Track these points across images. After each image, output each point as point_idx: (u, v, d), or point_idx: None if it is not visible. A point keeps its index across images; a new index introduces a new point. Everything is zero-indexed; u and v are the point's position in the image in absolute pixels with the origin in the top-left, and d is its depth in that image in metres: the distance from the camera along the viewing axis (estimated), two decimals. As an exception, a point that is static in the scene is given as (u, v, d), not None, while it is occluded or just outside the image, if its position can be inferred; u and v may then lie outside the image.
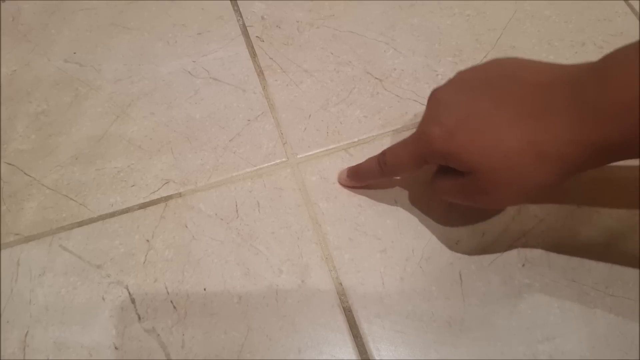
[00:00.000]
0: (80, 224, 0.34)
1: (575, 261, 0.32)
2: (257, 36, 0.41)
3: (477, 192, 0.27)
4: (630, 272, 0.31)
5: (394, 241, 0.33)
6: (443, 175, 0.29)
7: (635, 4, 0.41)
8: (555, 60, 0.39)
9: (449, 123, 0.27)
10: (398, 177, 0.35)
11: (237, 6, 0.42)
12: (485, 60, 0.39)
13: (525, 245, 0.32)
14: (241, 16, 0.42)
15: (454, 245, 0.33)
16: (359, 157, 0.36)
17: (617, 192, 0.34)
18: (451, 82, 0.29)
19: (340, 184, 0.35)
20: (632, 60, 0.22)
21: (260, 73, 0.39)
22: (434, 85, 0.37)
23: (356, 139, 0.36)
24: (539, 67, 0.27)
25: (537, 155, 0.24)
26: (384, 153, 0.31)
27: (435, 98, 0.29)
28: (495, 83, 0.27)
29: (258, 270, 0.32)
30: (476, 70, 0.29)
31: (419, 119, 0.37)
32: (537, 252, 0.32)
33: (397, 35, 0.40)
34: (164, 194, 0.35)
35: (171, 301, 0.31)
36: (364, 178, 0.34)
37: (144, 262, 0.33)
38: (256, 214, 0.34)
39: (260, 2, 0.43)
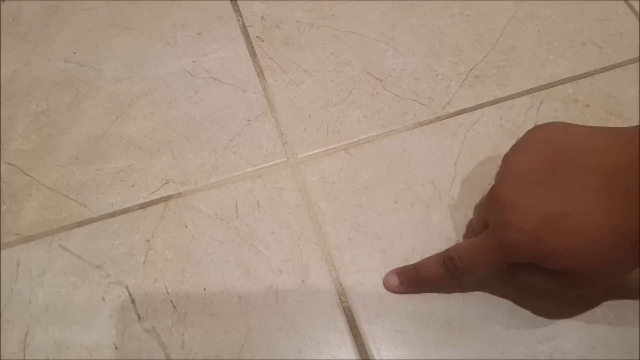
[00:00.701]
0: (80, 224, 0.34)
1: (575, 261, 0.32)
2: (257, 36, 0.41)
3: (569, 285, 0.26)
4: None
5: (394, 241, 0.33)
6: (525, 268, 0.27)
7: (635, 4, 0.41)
8: (554, 60, 0.39)
9: (531, 228, 0.25)
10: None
11: (237, 6, 0.42)
12: (485, 59, 0.39)
13: (525, 245, 0.32)
14: (241, 16, 0.42)
15: (454, 245, 0.33)
16: (359, 157, 0.36)
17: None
18: (510, 178, 0.27)
19: (389, 290, 0.32)
20: None
21: (260, 73, 0.39)
22: (434, 85, 0.38)
23: (356, 139, 0.36)
24: (595, 142, 0.25)
25: (632, 245, 0.23)
26: (451, 257, 0.29)
27: (502, 201, 0.26)
28: (560, 174, 0.25)
29: (258, 270, 0.32)
30: (530, 157, 0.27)
31: (418, 119, 0.37)
32: (537, 252, 0.32)
33: (397, 35, 0.40)
34: (164, 194, 0.35)
35: (171, 301, 0.31)
36: (427, 284, 0.31)
37: (144, 262, 0.33)
38: (256, 214, 0.34)
39: (260, 2, 0.43)
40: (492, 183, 0.34)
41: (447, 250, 0.29)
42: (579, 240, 0.24)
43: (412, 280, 0.31)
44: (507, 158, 0.28)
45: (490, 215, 0.28)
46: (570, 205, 0.25)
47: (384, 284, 0.32)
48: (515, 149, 0.28)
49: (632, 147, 0.24)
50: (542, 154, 0.27)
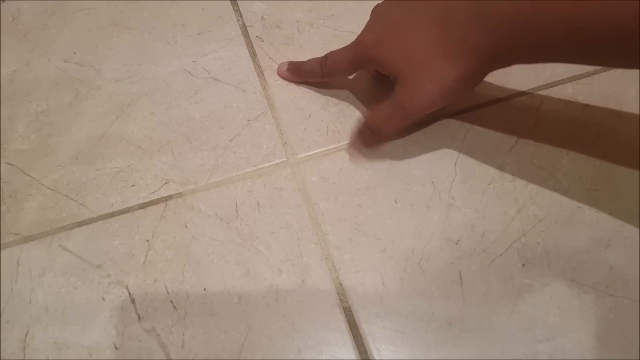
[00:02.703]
0: (80, 224, 0.34)
1: (575, 261, 0.32)
2: (257, 36, 0.41)
3: (405, 100, 0.30)
4: (630, 272, 0.31)
5: (394, 241, 0.33)
6: (375, 106, 0.33)
7: (635, 4, 0.41)
8: (555, 60, 0.39)
9: (380, 31, 0.31)
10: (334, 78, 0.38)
11: (237, 6, 0.42)
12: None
13: (525, 245, 0.32)
14: (241, 16, 0.42)
15: (454, 245, 0.33)
16: (359, 157, 0.36)
17: (617, 192, 0.34)
18: None
19: (279, 75, 0.39)
20: None
21: (260, 73, 0.39)
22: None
23: (356, 139, 0.36)
24: None
25: (443, 56, 0.28)
26: (326, 56, 0.35)
27: (375, 10, 0.33)
28: None
29: (258, 270, 0.32)
30: None
31: (419, 119, 0.37)
32: (537, 252, 0.32)
33: (397, 35, 0.40)
34: (164, 194, 0.35)
35: (171, 301, 0.31)
36: (304, 76, 0.38)
37: (144, 262, 0.33)
38: (256, 214, 0.34)
39: (260, 2, 0.43)
40: (492, 183, 0.34)
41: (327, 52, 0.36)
42: (404, 45, 0.30)
43: (297, 69, 0.38)
44: None
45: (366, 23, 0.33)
46: (409, 19, 0.30)
47: (277, 70, 0.39)
48: None
49: None
50: None
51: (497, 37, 0.26)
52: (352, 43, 0.33)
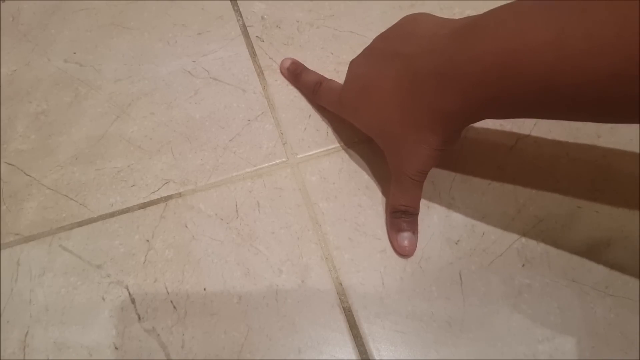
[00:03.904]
0: (80, 224, 0.34)
1: (575, 261, 0.32)
2: (257, 36, 0.41)
3: (402, 173, 0.30)
4: (630, 272, 0.31)
5: (394, 241, 0.33)
6: (392, 193, 0.32)
7: (635, 4, 0.41)
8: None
9: (354, 96, 0.31)
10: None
11: (237, 6, 0.42)
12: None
13: (525, 245, 0.32)
14: (241, 16, 0.42)
15: (454, 245, 0.33)
16: (359, 157, 0.36)
17: (617, 192, 0.34)
18: (364, 51, 0.32)
19: (280, 69, 0.39)
20: (487, 34, 0.23)
21: (260, 73, 0.39)
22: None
23: (356, 139, 0.36)
24: (426, 28, 0.28)
25: (417, 126, 0.27)
26: (321, 85, 0.36)
27: (350, 65, 0.32)
28: (387, 55, 0.29)
29: (258, 270, 0.32)
30: (382, 39, 0.30)
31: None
32: (537, 252, 0.32)
33: (397, 35, 0.40)
34: (164, 194, 0.35)
35: (171, 301, 0.31)
36: (298, 84, 0.38)
37: (144, 262, 0.33)
38: (256, 214, 0.34)
39: (260, 2, 0.43)
40: (492, 183, 0.34)
41: (324, 78, 0.36)
42: (378, 117, 0.29)
43: (295, 75, 0.38)
44: (378, 36, 0.31)
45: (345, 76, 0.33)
46: (378, 78, 0.28)
47: (280, 63, 0.39)
48: (386, 30, 0.31)
49: (443, 28, 0.26)
50: (385, 35, 0.30)
51: (466, 99, 0.24)
52: (339, 93, 0.33)
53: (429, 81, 0.25)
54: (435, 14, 0.42)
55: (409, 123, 0.27)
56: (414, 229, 0.32)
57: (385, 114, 0.29)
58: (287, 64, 0.39)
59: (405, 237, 0.32)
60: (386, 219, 0.33)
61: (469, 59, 0.23)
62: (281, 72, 0.39)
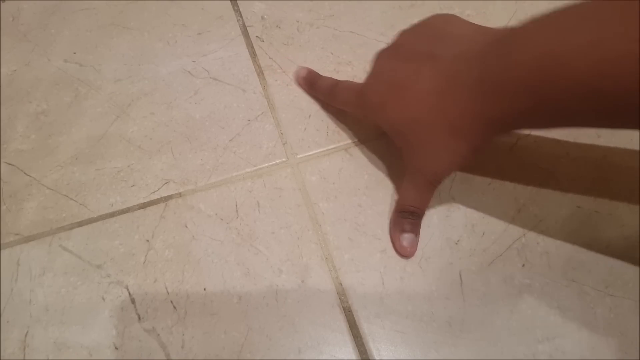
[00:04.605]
0: (80, 224, 0.34)
1: (575, 261, 0.32)
2: (257, 36, 0.41)
3: (421, 172, 0.29)
4: (630, 272, 0.31)
5: (394, 241, 0.33)
6: (402, 191, 0.33)
7: (635, 4, 0.41)
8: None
9: (383, 91, 0.29)
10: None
11: (237, 6, 0.42)
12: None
13: (525, 245, 0.32)
14: (241, 16, 0.42)
15: (454, 245, 0.33)
16: (359, 157, 0.36)
17: (617, 192, 0.34)
18: (391, 46, 0.31)
19: (295, 78, 0.38)
20: (528, 39, 0.23)
21: (260, 73, 0.39)
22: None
23: (356, 139, 0.36)
24: (462, 33, 0.28)
25: (450, 130, 0.26)
26: (337, 85, 0.35)
27: (378, 61, 0.31)
28: (420, 53, 0.28)
29: (258, 270, 0.32)
30: (414, 36, 0.30)
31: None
32: (537, 252, 0.32)
33: (397, 35, 0.40)
34: (164, 194, 0.35)
35: (171, 301, 0.31)
36: (315, 90, 0.37)
37: (144, 262, 0.33)
38: (256, 214, 0.34)
39: (260, 2, 0.43)
40: (492, 183, 0.34)
41: (339, 80, 0.36)
42: (408, 115, 0.28)
43: (311, 82, 0.37)
44: (402, 31, 0.32)
45: (371, 69, 0.32)
46: (412, 84, 0.28)
47: (296, 73, 0.38)
48: (413, 25, 0.31)
49: (480, 34, 0.27)
50: (420, 34, 0.30)
51: (507, 105, 0.24)
52: (360, 88, 0.32)
53: (468, 86, 0.25)
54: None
55: (440, 126, 0.27)
56: (416, 231, 0.32)
57: (415, 113, 0.28)
58: (304, 73, 0.38)
59: (406, 238, 0.32)
60: (391, 216, 0.33)
61: (511, 65, 0.23)
62: (296, 81, 0.39)
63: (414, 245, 0.32)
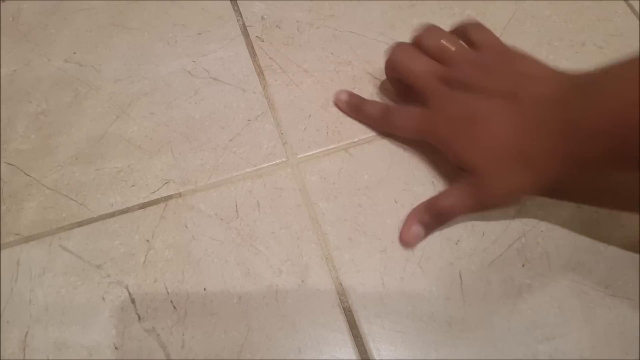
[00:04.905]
0: (80, 224, 0.34)
1: (575, 261, 0.32)
2: (257, 36, 0.41)
3: (480, 194, 0.30)
4: (630, 272, 0.31)
5: (394, 241, 0.33)
6: (447, 190, 0.32)
7: (635, 4, 0.41)
8: (555, 60, 0.39)
9: (454, 125, 0.30)
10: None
11: (237, 6, 0.42)
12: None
13: (525, 245, 0.32)
14: (241, 16, 0.42)
15: (454, 245, 0.33)
16: (359, 157, 0.36)
17: (617, 192, 0.34)
18: (457, 76, 0.31)
19: (335, 102, 0.37)
20: (609, 87, 0.25)
21: (260, 73, 0.39)
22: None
23: (356, 139, 0.36)
24: (536, 73, 0.29)
25: (526, 163, 0.27)
26: (390, 110, 0.34)
27: (443, 90, 0.31)
28: (499, 91, 0.29)
29: (258, 270, 0.32)
30: (484, 73, 0.30)
31: (419, 119, 0.37)
32: (537, 252, 0.32)
33: (397, 35, 0.40)
34: (164, 194, 0.35)
35: (171, 301, 0.31)
36: (361, 116, 0.36)
37: (144, 262, 0.33)
38: (256, 214, 0.34)
39: (260, 2, 0.43)
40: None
41: (390, 104, 0.35)
42: (484, 144, 0.29)
43: (356, 107, 0.36)
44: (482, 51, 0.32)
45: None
46: (490, 116, 0.29)
47: (336, 97, 0.37)
48: (492, 51, 0.32)
49: (559, 79, 0.28)
50: (485, 67, 0.31)
51: (590, 149, 0.25)
52: (422, 113, 0.32)
53: (549, 128, 0.26)
54: (435, 14, 0.43)
55: (514, 158, 0.28)
56: (429, 230, 0.32)
57: (488, 147, 0.29)
58: (345, 97, 0.36)
59: (415, 230, 0.32)
60: (419, 205, 0.33)
61: (595, 112, 0.25)
62: (337, 105, 0.37)
63: (418, 239, 0.32)
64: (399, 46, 0.34)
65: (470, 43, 0.33)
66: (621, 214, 0.33)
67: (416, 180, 0.35)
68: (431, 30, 0.34)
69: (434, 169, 0.35)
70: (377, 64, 0.39)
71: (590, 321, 0.30)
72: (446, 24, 0.41)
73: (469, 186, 0.30)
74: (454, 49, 0.33)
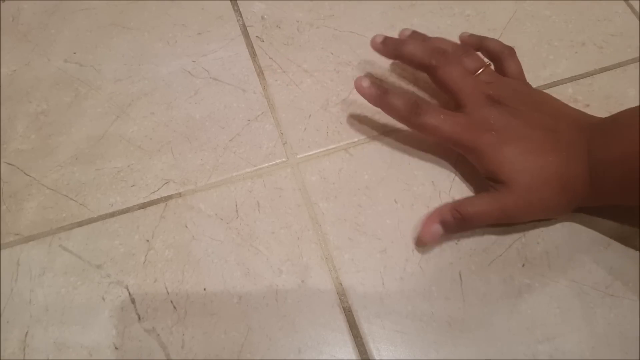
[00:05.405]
0: (80, 224, 0.34)
1: (575, 261, 0.32)
2: (257, 36, 0.41)
3: (508, 206, 0.30)
4: (630, 272, 0.31)
5: (394, 241, 0.33)
6: (474, 196, 0.34)
7: (635, 4, 0.41)
8: (554, 60, 0.39)
9: (500, 133, 0.31)
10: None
11: (237, 6, 0.42)
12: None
13: (525, 245, 0.32)
14: (241, 16, 0.42)
15: (454, 245, 0.33)
16: (359, 157, 0.36)
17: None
18: (500, 109, 0.32)
19: (358, 87, 0.33)
20: (627, 133, 0.28)
21: (260, 73, 0.39)
22: (432, 85, 0.38)
23: (356, 139, 0.36)
24: (573, 115, 0.33)
25: (561, 185, 0.30)
26: (420, 107, 0.32)
27: (498, 112, 0.32)
28: (541, 124, 0.31)
29: (258, 270, 0.32)
30: (530, 106, 0.32)
31: (419, 119, 0.37)
32: (537, 252, 0.32)
33: (397, 36, 0.40)
34: (164, 194, 0.35)
35: (171, 301, 0.31)
36: (382, 107, 0.34)
37: (144, 262, 0.33)
38: (256, 214, 0.34)
39: (260, 2, 0.43)
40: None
41: (422, 100, 0.35)
42: (528, 160, 0.30)
43: (377, 98, 0.33)
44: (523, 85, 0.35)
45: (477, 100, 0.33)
46: (538, 138, 0.31)
47: (355, 83, 0.34)
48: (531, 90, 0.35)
49: (588, 119, 0.32)
50: (530, 105, 0.32)
51: (605, 181, 0.29)
52: (462, 119, 0.31)
53: (582, 158, 0.30)
54: (435, 14, 0.43)
55: (559, 184, 0.30)
56: (448, 231, 0.31)
57: (535, 170, 0.30)
58: (366, 84, 0.33)
59: (436, 229, 0.31)
60: (445, 204, 0.32)
61: (609, 145, 0.29)
62: (360, 91, 0.34)
63: (435, 239, 0.31)
64: (439, 50, 0.34)
65: (501, 68, 0.35)
66: (621, 213, 0.33)
67: (416, 180, 0.35)
68: (470, 51, 0.35)
69: (433, 169, 0.35)
70: (377, 64, 0.39)
71: (590, 321, 0.30)
72: (446, 24, 0.41)
73: (500, 197, 0.30)
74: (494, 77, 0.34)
